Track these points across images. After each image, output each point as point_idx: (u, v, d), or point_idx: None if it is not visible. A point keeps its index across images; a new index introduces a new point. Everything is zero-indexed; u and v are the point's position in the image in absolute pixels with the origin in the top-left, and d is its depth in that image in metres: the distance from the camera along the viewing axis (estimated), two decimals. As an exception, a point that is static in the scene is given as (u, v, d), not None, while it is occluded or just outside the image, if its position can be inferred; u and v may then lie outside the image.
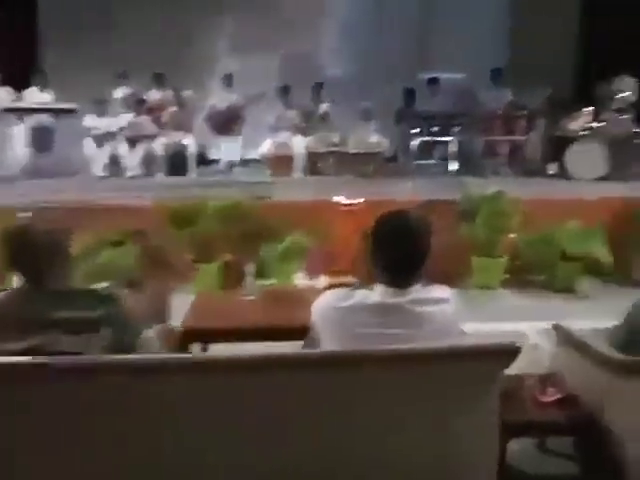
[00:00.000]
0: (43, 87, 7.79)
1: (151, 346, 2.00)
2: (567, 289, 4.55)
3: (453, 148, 7.56)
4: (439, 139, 7.63)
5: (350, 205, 4.41)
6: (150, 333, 2.23)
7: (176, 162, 7.74)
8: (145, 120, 7.74)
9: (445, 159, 7.75)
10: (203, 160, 8.52)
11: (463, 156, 7.72)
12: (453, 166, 7.59)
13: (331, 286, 2.86)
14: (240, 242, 4.53)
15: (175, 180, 7.39)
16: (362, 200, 4.47)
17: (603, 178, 6.68)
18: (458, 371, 1.48)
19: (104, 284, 3.48)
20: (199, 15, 9.31)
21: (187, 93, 8.29)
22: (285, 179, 7.46)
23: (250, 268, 3.00)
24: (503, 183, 6.77)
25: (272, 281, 4.14)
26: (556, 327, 2.27)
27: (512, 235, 4.72)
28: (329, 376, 1.42)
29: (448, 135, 7.59)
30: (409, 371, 1.46)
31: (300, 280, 2.90)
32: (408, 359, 1.43)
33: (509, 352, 1.45)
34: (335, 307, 1.72)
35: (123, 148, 7.56)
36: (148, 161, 7.70)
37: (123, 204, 4.88)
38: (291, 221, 4.53)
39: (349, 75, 9.16)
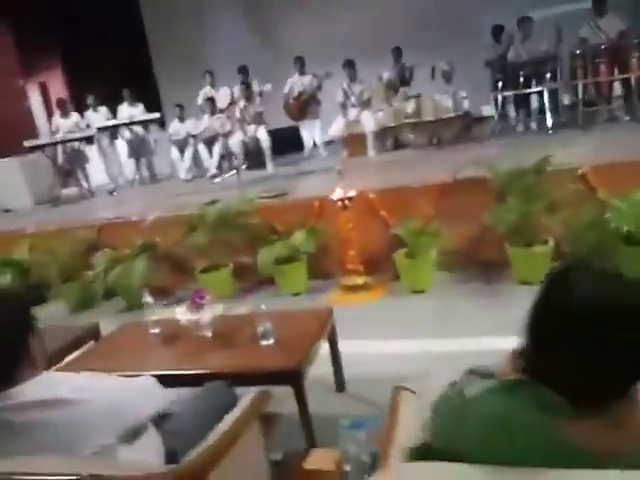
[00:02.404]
0: (132, 102, 8.29)
1: None
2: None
3: (546, 99, 6.30)
4: (529, 90, 6.41)
5: (344, 200, 3.87)
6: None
7: (253, 156, 7.72)
8: (219, 119, 7.82)
9: (541, 113, 6.52)
10: (298, 146, 8.40)
11: (561, 107, 6.42)
12: (549, 121, 6.34)
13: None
14: (239, 248, 4.32)
15: (253, 175, 7.36)
16: (355, 193, 3.89)
17: None
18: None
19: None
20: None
21: (267, 87, 8.18)
22: (359, 159, 7.01)
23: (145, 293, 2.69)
24: (614, 135, 5.55)
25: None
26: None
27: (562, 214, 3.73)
28: None
29: (541, 84, 6.34)
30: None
31: (181, 315, 2.53)
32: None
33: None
34: None
35: (203, 150, 7.74)
36: (227, 159, 7.80)
37: (140, 218, 4.93)
38: (289, 222, 4.18)
39: (424, 35, 8.18)
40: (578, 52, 6.20)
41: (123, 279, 4.42)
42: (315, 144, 8.07)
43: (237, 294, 4.47)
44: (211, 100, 7.91)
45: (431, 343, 3.23)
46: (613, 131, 5.91)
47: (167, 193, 6.76)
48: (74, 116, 8.19)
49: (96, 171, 8.68)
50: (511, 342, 1.07)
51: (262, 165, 7.65)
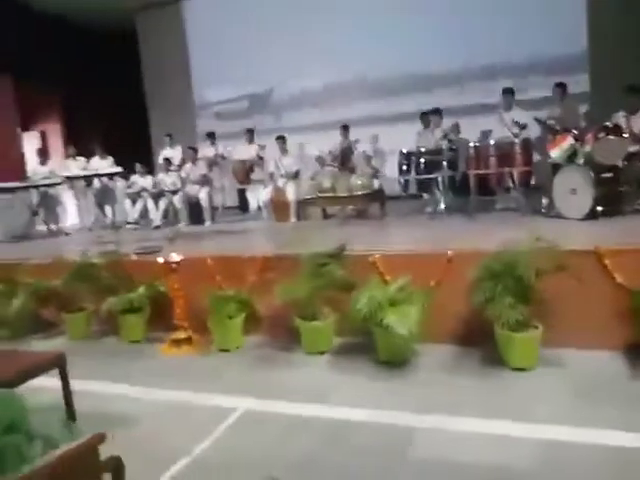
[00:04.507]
0: (102, 155, 9.31)
1: None
2: (392, 361, 3.86)
3: (440, 186, 6.82)
4: (425, 176, 6.93)
5: (169, 263, 4.48)
6: None
7: (193, 213, 8.50)
8: (171, 177, 8.67)
9: (436, 198, 7.03)
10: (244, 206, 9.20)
11: (454, 193, 6.92)
12: (442, 205, 6.83)
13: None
14: (101, 295, 4.97)
15: (189, 229, 8.09)
16: (181, 258, 4.50)
17: (593, 217, 5.36)
18: None
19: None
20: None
21: (227, 149, 9.08)
22: (282, 224, 7.69)
23: None
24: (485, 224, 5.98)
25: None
26: None
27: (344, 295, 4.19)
28: None
29: (439, 171, 6.85)
30: None
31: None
32: None
33: None
34: None
35: (150, 203, 8.58)
36: (170, 213, 8.60)
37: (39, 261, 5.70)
38: (145, 276, 4.84)
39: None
40: (472, 144, 6.70)
41: (2, 311, 5.15)
42: (259, 206, 8.79)
43: (92, 336, 5.11)
44: (168, 160, 8.81)
45: (176, 394, 3.64)
46: (491, 221, 6.25)
47: (101, 240, 7.52)
48: (51, 164, 9.26)
49: (70, 213, 9.71)
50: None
51: (202, 222, 8.41)
